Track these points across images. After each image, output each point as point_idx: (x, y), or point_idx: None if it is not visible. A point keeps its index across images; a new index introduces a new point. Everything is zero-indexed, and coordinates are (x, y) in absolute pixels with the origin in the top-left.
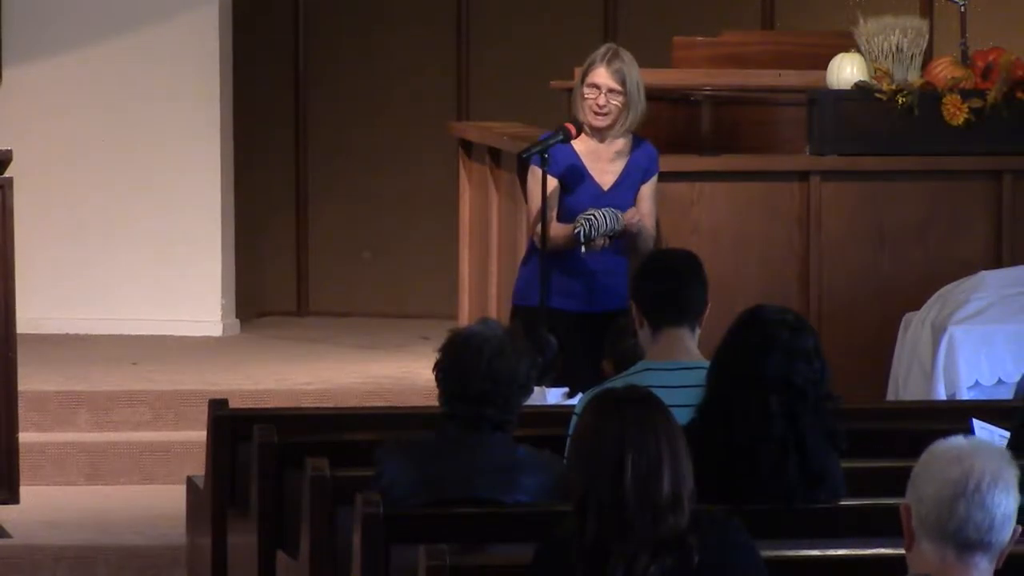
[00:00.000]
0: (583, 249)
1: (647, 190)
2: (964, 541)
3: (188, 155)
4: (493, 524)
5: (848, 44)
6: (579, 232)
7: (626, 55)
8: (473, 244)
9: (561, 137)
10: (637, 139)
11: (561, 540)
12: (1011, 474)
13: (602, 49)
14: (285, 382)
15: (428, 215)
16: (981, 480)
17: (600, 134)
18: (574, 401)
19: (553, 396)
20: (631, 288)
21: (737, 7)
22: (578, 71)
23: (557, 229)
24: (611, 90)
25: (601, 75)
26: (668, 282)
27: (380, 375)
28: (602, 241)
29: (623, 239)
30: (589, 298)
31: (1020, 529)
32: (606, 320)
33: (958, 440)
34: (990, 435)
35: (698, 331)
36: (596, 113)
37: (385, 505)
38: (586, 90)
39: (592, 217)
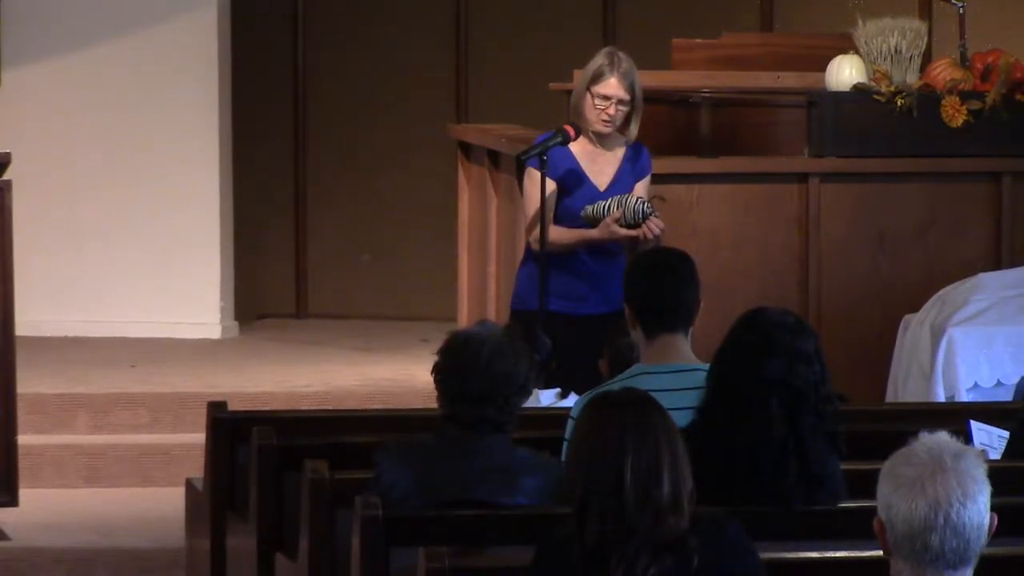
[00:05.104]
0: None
1: (640, 188)
2: (943, 565)
3: (187, 157)
4: (492, 526)
5: (847, 46)
6: (616, 212)
7: (626, 57)
8: (472, 246)
9: (560, 139)
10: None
11: (561, 542)
12: (976, 475)
13: (604, 57)
14: (284, 384)
15: (427, 217)
16: (950, 508)
17: (602, 139)
18: (567, 402)
19: (546, 398)
20: (624, 290)
21: (736, 9)
22: (578, 73)
23: (561, 233)
24: (621, 100)
25: (612, 86)
26: (661, 289)
27: (379, 377)
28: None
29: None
30: (587, 300)
31: (995, 518)
32: (603, 322)
33: (917, 452)
34: (988, 436)
35: (691, 331)
36: (605, 122)
37: (384, 507)
38: (597, 101)
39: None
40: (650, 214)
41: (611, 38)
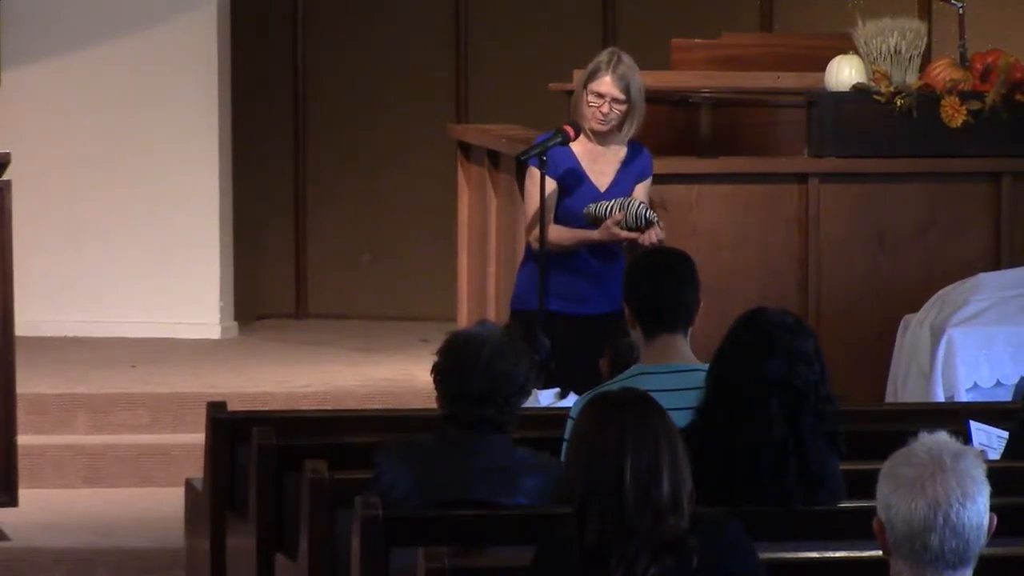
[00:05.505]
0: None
1: (640, 191)
2: (943, 565)
3: (187, 157)
4: (492, 526)
5: (847, 46)
6: (618, 215)
7: (628, 60)
8: (472, 246)
9: (560, 139)
10: (632, 141)
11: (561, 542)
12: (976, 476)
13: (605, 56)
14: (284, 384)
15: (427, 217)
16: (949, 508)
17: (601, 138)
18: (567, 402)
19: (545, 398)
20: (624, 290)
21: (736, 9)
22: (578, 73)
23: (561, 233)
24: (615, 99)
25: (606, 84)
26: (661, 289)
27: (379, 377)
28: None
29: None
30: (587, 300)
31: (995, 518)
32: (603, 322)
33: (917, 453)
34: (988, 436)
35: (690, 331)
36: (599, 120)
37: (384, 507)
38: (591, 98)
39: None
40: (653, 221)
41: (611, 38)
